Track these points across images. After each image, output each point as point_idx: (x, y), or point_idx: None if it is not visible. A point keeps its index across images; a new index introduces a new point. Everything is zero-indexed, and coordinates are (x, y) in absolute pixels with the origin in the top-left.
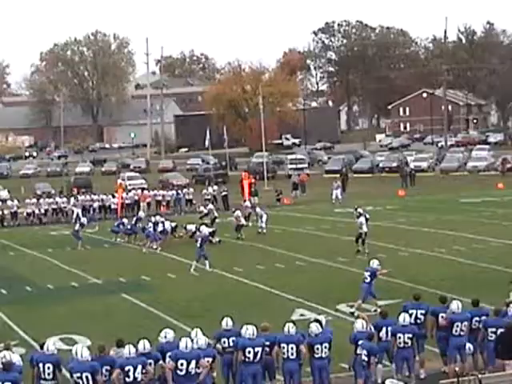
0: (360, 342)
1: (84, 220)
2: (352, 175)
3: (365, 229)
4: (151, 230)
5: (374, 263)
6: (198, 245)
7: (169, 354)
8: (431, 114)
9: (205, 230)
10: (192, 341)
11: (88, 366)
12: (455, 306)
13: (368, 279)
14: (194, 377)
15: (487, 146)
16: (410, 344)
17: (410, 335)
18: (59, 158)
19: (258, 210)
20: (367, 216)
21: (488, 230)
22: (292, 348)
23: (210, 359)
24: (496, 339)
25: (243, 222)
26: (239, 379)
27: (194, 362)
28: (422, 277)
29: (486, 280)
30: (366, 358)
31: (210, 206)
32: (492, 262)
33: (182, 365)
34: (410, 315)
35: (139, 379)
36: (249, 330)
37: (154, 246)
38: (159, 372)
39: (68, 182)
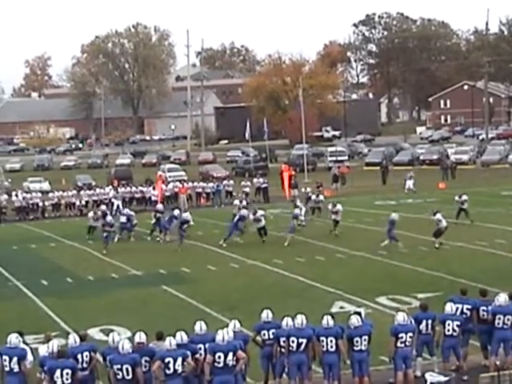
0: None
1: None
2: (392, 168)
3: (444, 223)
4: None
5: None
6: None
7: (206, 346)
8: (472, 106)
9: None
10: (228, 333)
11: (129, 358)
12: (502, 299)
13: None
14: (232, 369)
15: None
16: (457, 332)
17: (459, 323)
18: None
19: (298, 202)
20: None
21: None
22: (331, 341)
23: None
24: None
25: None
26: (279, 370)
27: (231, 355)
28: (462, 270)
29: None
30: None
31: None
32: None
33: (219, 357)
34: (456, 309)
35: (179, 371)
36: (298, 320)
37: (168, 239)
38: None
39: (109, 173)
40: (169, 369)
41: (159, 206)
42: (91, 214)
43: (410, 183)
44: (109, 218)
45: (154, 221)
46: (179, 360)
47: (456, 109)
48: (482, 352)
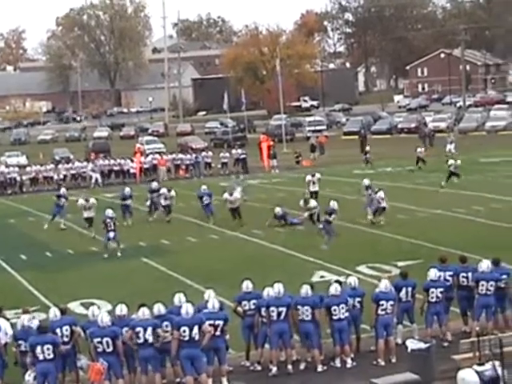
0: None
1: None
2: (370, 136)
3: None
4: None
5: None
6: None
7: (173, 321)
8: (449, 74)
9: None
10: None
11: (109, 331)
12: (485, 265)
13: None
14: (198, 343)
15: (506, 106)
16: (441, 299)
17: (442, 289)
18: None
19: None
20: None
21: (507, 189)
22: (307, 310)
23: (222, 322)
24: None
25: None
26: (261, 340)
27: (196, 328)
28: (441, 237)
29: (506, 239)
30: None
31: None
32: (511, 222)
33: (184, 331)
34: (439, 277)
35: (150, 341)
36: (275, 289)
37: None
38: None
39: (86, 147)
40: (139, 338)
41: (154, 184)
42: (82, 201)
43: (450, 147)
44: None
45: (149, 202)
46: (149, 330)
47: (433, 77)
48: (462, 318)
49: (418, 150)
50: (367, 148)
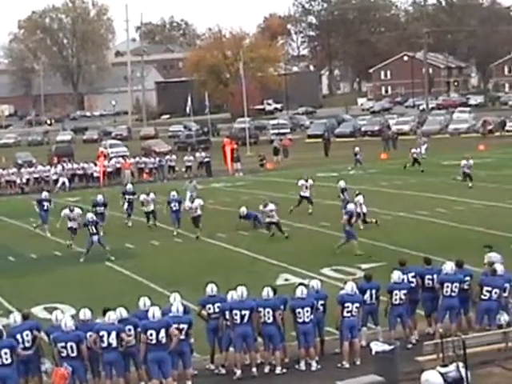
0: None
1: None
2: (334, 139)
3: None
4: None
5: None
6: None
7: (139, 324)
8: (412, 77)
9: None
10: (160, 309)
11: (73, 335)
12: (449, 267)
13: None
14: (166, 346)
15: (468, 109)
16: (405, 301)
17: (406, 291)
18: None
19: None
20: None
21: (470, 191)
22: (268, 312)
23: (186, 326)
24: None
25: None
26: (226, 343)
27: (163, 331)
28: (404, 239)
29: (469, 241)
30: None
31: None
32: (474, 224)
33: (151, 335)
34: (403, 279)
35: (114, 345)
36: (238, 292)
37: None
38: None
39: (49, 151)
40: (103, 342)
41: (129, 187)
42: (67, 211)
43: (423, 148)
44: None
45: (126, 205)
46: (113, 334)
47: (396, 80)
48: (427, 320)
49: (413, 150)
50: (357, 149)
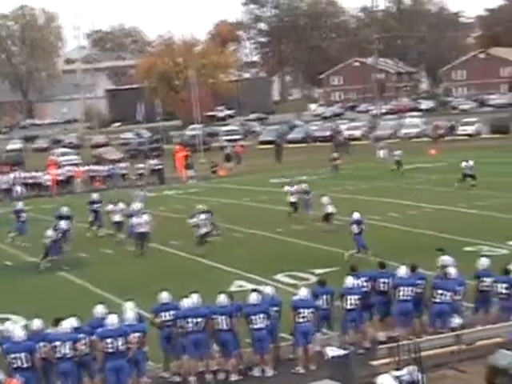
0: None
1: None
2: (286, 145)
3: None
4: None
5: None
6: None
7: (97, 331)
8: (363, 82)
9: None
10: (119, 317)
11: (24, 346)
12: (403, 271)
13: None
14: (124, 354)
15: (419, 113)
16: (358, 306)
17: (359, 296)
18: None
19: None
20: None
21: (421, 196)
22: (224, 319)
23: (140, 334)
24: None
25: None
26: (179, 351)
27: (121, 339)
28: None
29: (421, 245)
30: None
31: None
32: (426, 228)
33: (109, 343)
34: (357, 285)
35: (69, 355)
36: (191, 299)
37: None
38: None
39: None
40: (57, 352)
41: (95, 196)
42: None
43: (383, 152)
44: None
45: (91, 216)
46: (68, 344)
47: (347, 85)
48: (381, 324)
49: (396, 152)
50: (335, 155)
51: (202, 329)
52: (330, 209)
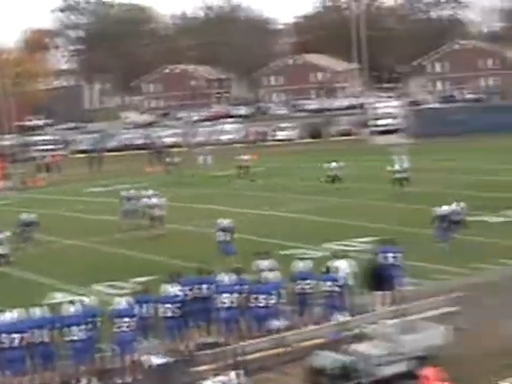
0: None
1: None
2: (104, 154)
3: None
4: None
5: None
6: None
7: None
8: (178, 89)
9: None
10: None
11: None
12: (226, 277)
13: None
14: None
15: (237, 119)
16: (177, 313)
17: (176, 304)
18: None
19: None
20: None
21: (243, 201)
22: (42, 333)
23: None
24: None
25: None
26: None
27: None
28: (176, 251)
29: (242, 250)
30: None
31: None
32: (247, 233)
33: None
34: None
35: None
36: (8, 315)
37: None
38: None
39: None
40: None
41: (25, 215)
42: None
43: (206, 158)
44: None
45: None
46: None
47: (162, 92)
48: (200, 330)
49: (242, 157)
50: (334, 164)
51: (19, 345)
52: (158, 212)
